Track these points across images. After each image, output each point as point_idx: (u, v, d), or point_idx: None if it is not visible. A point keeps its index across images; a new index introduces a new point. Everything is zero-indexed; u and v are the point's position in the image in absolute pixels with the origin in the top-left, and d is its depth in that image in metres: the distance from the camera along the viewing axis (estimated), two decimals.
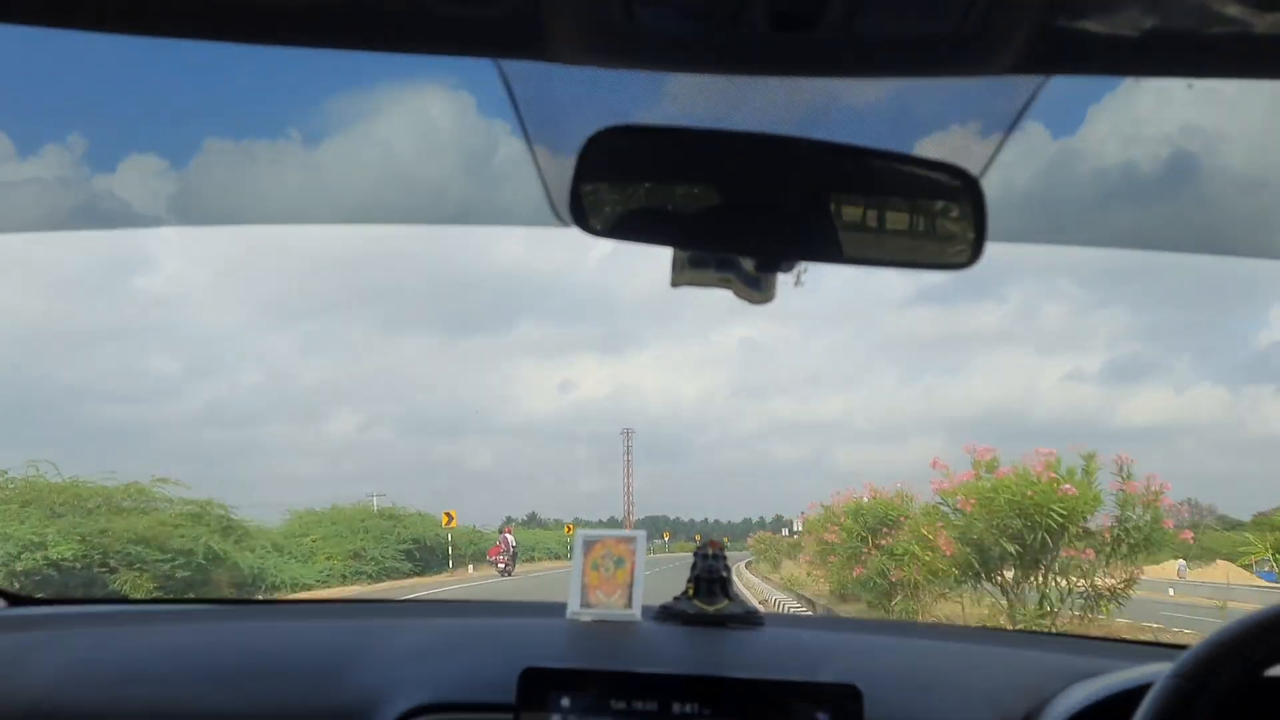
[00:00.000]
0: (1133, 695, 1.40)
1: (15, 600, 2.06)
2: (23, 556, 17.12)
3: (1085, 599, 11.18)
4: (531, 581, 26.77)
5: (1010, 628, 9.91)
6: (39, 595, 2.27)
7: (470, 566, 33.76)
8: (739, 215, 1.11)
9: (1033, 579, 11.23)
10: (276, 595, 21.54)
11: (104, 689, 1.66)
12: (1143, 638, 7.93)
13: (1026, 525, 10.79)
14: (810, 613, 14.61)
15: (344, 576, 26.13)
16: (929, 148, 1.19)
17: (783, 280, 1.25)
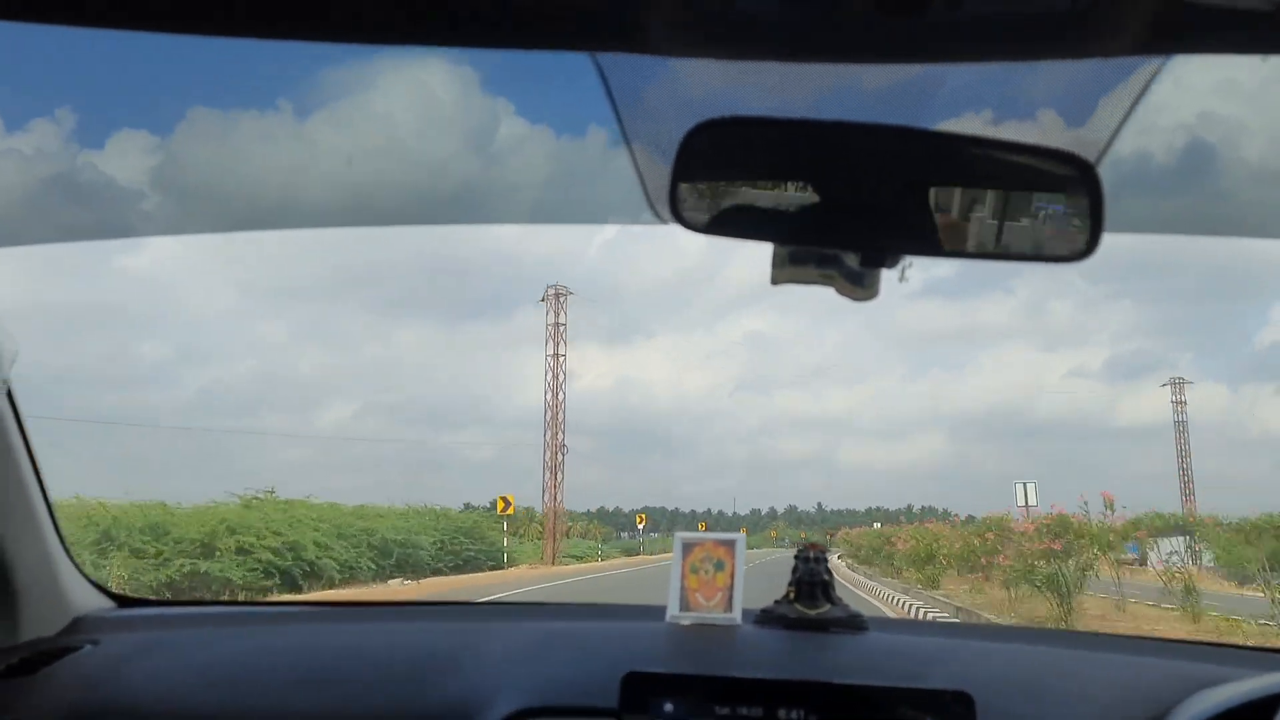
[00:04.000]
0: (1264, 705, 1.32)
1: (124, 602, 2.13)
2: None
3: None
4: None
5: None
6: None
7: None
8: (843, 209, 1.08)
9: None
10: None
11: (209, 691, 1.70)
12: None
13: None
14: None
15: None
16: (1039, 134, 1.14)
17: (886, 275, 1.21)
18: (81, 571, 2.04)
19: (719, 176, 1.10)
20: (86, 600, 2.02)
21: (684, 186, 1.05)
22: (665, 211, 1.05)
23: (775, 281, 1.22)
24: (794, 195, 1.12)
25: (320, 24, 0.80)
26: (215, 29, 0.81)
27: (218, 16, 0.80)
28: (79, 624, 1.94)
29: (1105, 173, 1.10)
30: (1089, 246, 1.11)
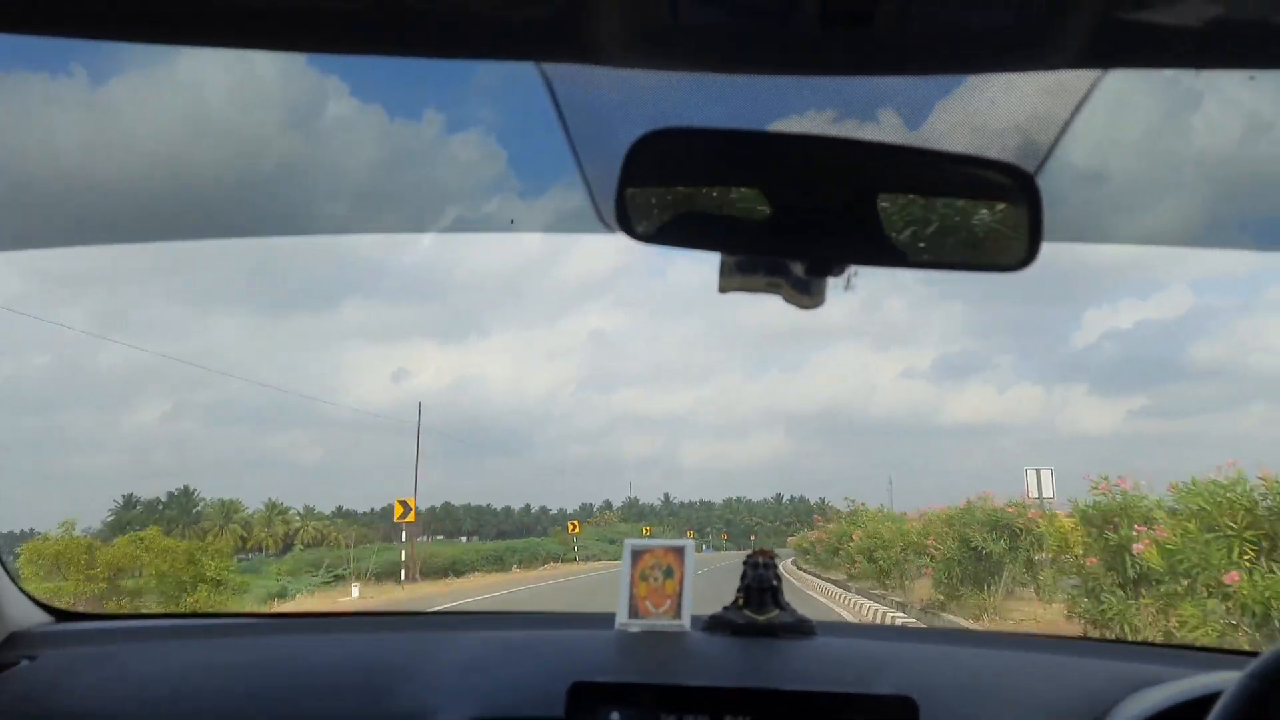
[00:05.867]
0: (1199, 704, 1.36)
1: (63, 616, 2.08)
2: None
3: None
4: None
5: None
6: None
7: None
8: (788, 219, 1.09)
9: None
10: None
11: (150, 705, 1.66)
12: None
13: None
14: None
15: None
16: (981, 146, 1.16)
17: (832, 283, 1.22)
18: (18, 585, 1.98)
19: (666, 186, 1.11)
20: (23, 615, 1.97)
21: (631, 196, 1.06)
22: (613, 221, 1.06)
23: (723, 290, 1.23)
24: (741, 205, 1.13)
25: (255, 32, 0.79)
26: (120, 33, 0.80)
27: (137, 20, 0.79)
28: (15, 639, 1.89)
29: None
30: (1029, 255, 1.13)
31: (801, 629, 1.81)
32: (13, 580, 1.96)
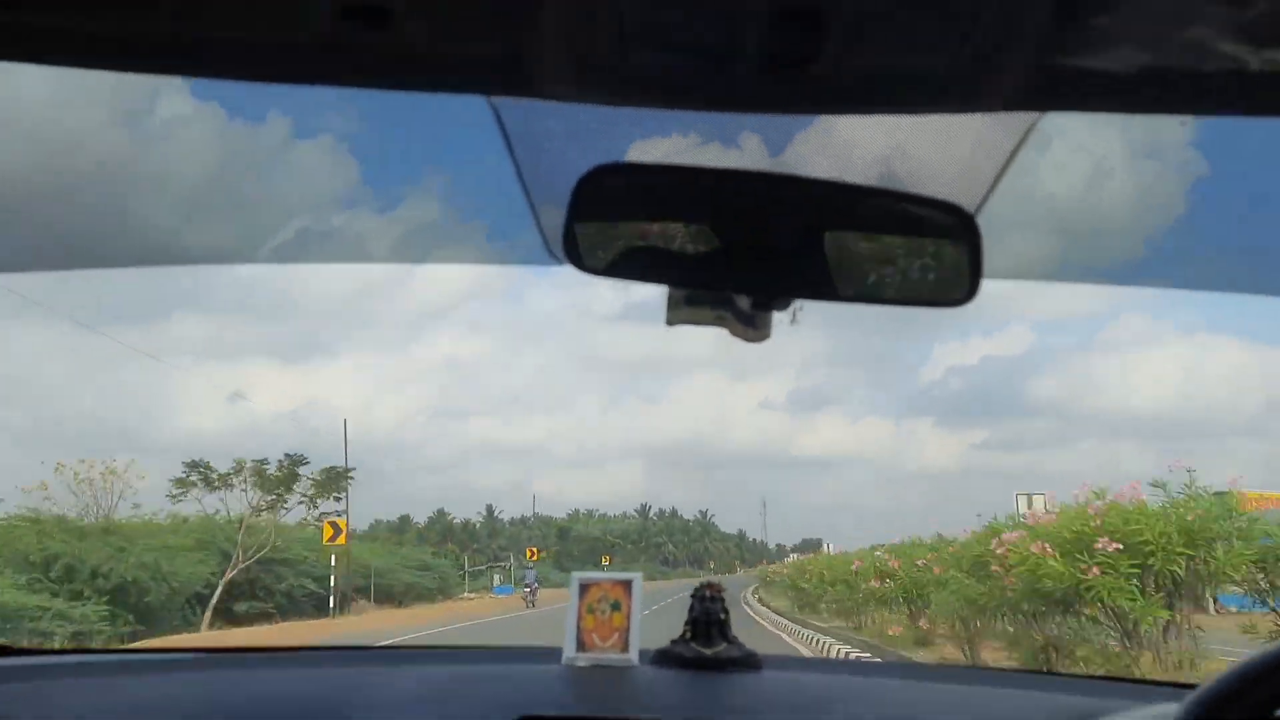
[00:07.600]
0: None
1: (2, 651, 2.01)
2: None
3: None
4: None
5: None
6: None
7: None
8: (734, 253, 1.11)
9: None
10: None
11: None
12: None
13: None
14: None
15: None
16: (923, 185, 1.19)
17: (778, 319, 1.24)
18: None
19: (614, 221, 1.12)
20: None
21: (580, 230, 1.07)
22: (561, 253, 1.07)
23: (670, 322, 1.24)
24: (686, 240, 1.15)
25: (208, 60, 0.79)
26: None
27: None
28: None
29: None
30: (970, 291, 1.15)
31: (749, 663, 1.81)
32: None
